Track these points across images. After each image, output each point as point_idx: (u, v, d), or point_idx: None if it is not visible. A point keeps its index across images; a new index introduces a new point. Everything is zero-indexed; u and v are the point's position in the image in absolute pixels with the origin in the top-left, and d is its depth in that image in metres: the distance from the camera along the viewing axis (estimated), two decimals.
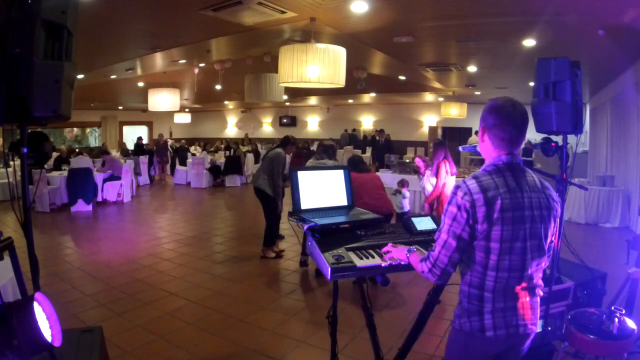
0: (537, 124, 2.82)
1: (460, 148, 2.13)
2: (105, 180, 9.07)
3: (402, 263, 1.74)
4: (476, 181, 1.41)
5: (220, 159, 12.47)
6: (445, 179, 5.05)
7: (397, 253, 1.76)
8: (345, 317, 3.29)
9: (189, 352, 3.03)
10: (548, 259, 1.52)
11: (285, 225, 6.16)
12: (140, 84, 10.97)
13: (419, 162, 5.67)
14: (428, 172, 5.34)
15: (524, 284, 1.43)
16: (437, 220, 2.16)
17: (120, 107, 18.28)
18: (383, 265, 1.78)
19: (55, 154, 10.25)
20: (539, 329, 2.50)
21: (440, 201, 5.21)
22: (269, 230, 5.31)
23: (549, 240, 1.47)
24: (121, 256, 5.31)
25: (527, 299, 1.46)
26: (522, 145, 1.53)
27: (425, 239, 2.01)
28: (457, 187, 1.43)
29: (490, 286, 1.41)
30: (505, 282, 1.41)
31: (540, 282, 1.50)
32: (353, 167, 4.37)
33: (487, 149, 1.50)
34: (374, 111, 18.95)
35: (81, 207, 8.31)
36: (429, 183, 5.29)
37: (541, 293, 1.51)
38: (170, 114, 17.31)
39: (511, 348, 1.47)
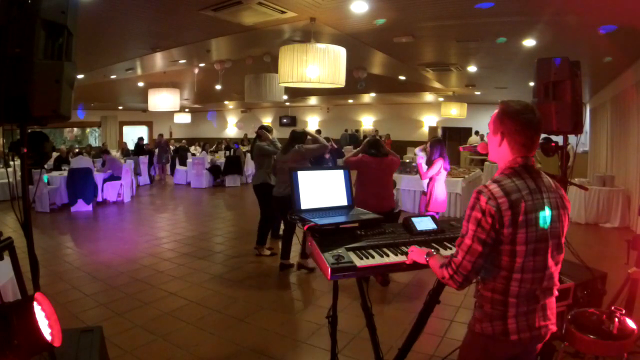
0: None
1: (460, 148, 2.13)
2: (105, 180, 9.07)
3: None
4: (498, 185, 1.41)
5: (220, 159, 12.47)
6: (438, 172, 5.21)
7: (416, 255, 1.75)
8: (345, 317, 3.29)
9: (189, 352, 3.03)
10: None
11: None
12: (140, 84, 10.96)
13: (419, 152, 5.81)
14: (422, 154, 5.51)
15: (544, 284, 1.44)
16: (437, 220, 2.16)
17: (120, 107, 18.27)
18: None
19: (55, 154, 10.26)
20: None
21: (430, 199, 5.37)
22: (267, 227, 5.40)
23: (563, 237, 1.50)
24: (121, 256, 5.31)
25: (547, 299, 1.47)
26: None
27: (425, 239, 2.01)
28: (478, 192, 1.41)
29: (515, 291, 1.41)
30: (529, 284, 1.41)
31: (557, 282, 1.51)
32: (367, 149, 4.32)
33: (504, 154, 1.49)
34: (374, 111, 18.95)
35: (81, 207, 8.31)
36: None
37: (557, 293, 1.52)
38: (170, 114, 17.31)
39: (529, 348, 1.49)
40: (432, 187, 5.36)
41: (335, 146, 6.00)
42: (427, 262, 1.66)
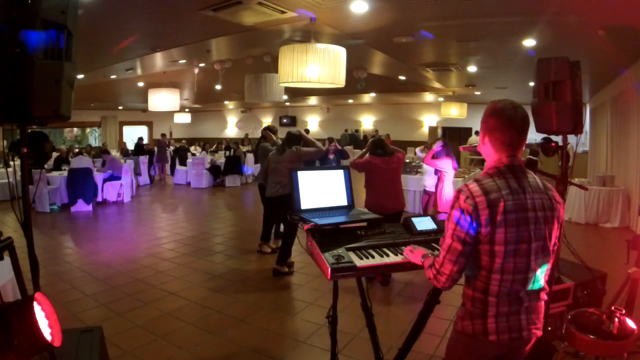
0: (537, 124, 2.82)
1: (460, 148, 2.14)
2: (105, 180, 9.07)
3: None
4: (478, 184, 1.40)
5: (220, 159, 12.47)
6: (446, 167, 5.24)
7: (413, 257, 1.74)
8: (345, 317, 3.29)
9: (189, 352, 3.03)
10: (552, 261, 1.51)
11: None
12: (140, 84, 10.96)
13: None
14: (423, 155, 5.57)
15: (528, 287, 1.42)
16: (437, 220, 2.16)
17: (120, 107, 18.27)
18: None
19: (55, 154, 10.26)
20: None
21: (436, 199, 5.41)
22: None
23: (552, 242, 1.46)
24: (121, 256, 5.31)
25: (533, 302, 1.44)
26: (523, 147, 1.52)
27: (425, 239, 2.01)
28: (459, 191, 1.41)
29: (495, 290, 1.40)
30: (509, 285, 1.39)
31: (546, 286, 1.48)
32: (373, 150, 4.32)
33: (488, 152, 1.49)
34: (374, 111, 18.95)
35: (81, 207, 8.31)
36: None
37: (545, 297, 1.49)
38: (170, 114, 17.30)
39: (513, 350, 1.47)
40: (441, 188, 5.38)
41: (340, 147, 5.98)
42: (423, 263, 1.66)
